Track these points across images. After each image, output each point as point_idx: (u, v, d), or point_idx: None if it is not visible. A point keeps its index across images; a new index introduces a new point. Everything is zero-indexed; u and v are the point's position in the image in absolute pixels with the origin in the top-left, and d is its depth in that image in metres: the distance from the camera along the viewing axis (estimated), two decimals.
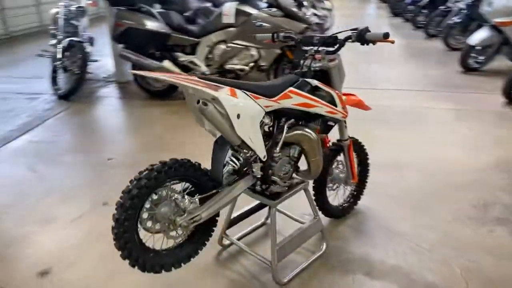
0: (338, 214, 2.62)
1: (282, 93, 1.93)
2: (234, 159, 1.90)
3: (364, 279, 2.13)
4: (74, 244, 2.44)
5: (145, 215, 1.67)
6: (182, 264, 1.81)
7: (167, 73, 1.60)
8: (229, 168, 1.89)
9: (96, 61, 5.93)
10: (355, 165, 2.52)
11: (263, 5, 4.69)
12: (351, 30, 2.04)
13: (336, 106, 2.13)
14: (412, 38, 9.35)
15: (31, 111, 4.79)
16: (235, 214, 2.36)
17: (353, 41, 2.03)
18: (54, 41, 5.26)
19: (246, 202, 2.37)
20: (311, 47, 2.16)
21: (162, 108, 4.80)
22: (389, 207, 2.77)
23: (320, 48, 2.13)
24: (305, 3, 5.83)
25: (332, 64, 2.14)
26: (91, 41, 5.96)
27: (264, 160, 1.91)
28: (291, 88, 1.97)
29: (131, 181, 1.60)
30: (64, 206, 2.84)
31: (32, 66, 6.90)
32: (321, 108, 2.06)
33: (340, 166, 2.54)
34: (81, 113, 4.74)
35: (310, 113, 2.06)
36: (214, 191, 1.80)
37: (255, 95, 1.82)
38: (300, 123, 2.11)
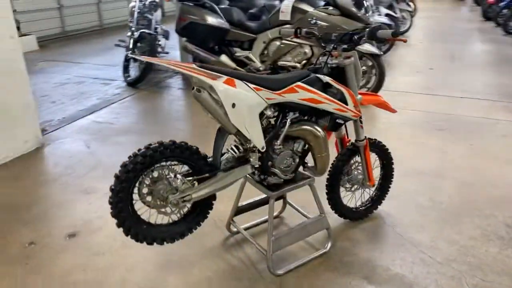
0: (352, 216, 2.56)
1: (288, 87, 1.96)
2: (234, 147, 1.98)
3: (361, 283, 2.09)
4: (102, 214, 2.70)
5: (144, 190, 1.82)
6: (175, 240, 1.93)
7: (172, 62, 1.72)
8: (228, 156, 1.98)
9: (167, 53, 6.34)
10: (372, 168, 2.45)
11: (322, 3, 4.66)
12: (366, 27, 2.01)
13: (347, 105, 2.11)
14: (500, 44, 8.56)
15: (101, 94, 5.30)
16: (244, 203, 2.43)
17: (365, 39, 2.00)
18: (129, 33, 5.73)
19: (258, 193, 2.43)
20: (330, 44, 2.16)
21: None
22: (413, 215, 2.64)
23: (337, 45, 2.13)
24: (366, 2, 5.65)
25: (347, 62, 2.12)
26: (166, 34, 6.37)
27: (263, 150, 1.96)
28: (298, 83, 1.99)
29: (129, 157, 1.76)
30: (105, 180, 3.14)
31: (113, 55, 7.56)
32: (329, 105, 2.06)
33: (360, 167, 2.49)
34: (144, 100, 5.13)
35: (318, 109, 2.07)
36: (207, 174, 1.89)
37: (257, 86, 1.88)
38: (307, 118, 2.12)
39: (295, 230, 2.19)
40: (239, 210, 2.41)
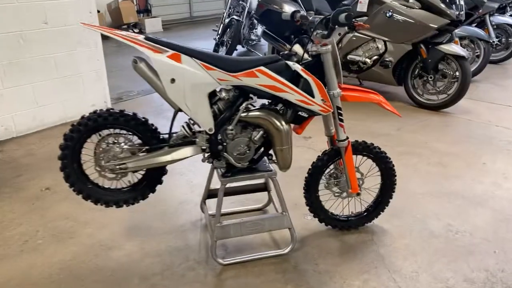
0: (333, 223, 2.31)
1: (247, 71, 1.86)
2: (185, 125, 1.96)
3: None
4: None
5: (92, 153, 1.93)
6: (119, 205, 2.00)
7: (119, 32, 1.78)
8: (180, 133, 1.97)
9: (259, 41, 6.46)
10: (357, 174, 2.16)
11: None
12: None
13: (313, 97, 1.90)
14: None
15: None
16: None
17: (330, 23, 1.79)
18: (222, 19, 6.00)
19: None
20: (313, 30, 1.98)
21: None
22: (412, 240, 2.26)
23: (317, 31, 1.93)
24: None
25: (323, 49, 1.91)
26: None
27: (210, 133, 1.90)
28: (260, 67, 1.87)
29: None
30: None
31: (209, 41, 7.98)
32: (291, 94, 1.88)
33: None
34: None
35: (281, 98, 1.91)
36: (148, 147, 1.92)
37: (208, 65, 1.83)
38: (271, 106, 1.98)
39: (247, 222, 2.08)
40: (210, 194, 2.38)
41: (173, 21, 9.96)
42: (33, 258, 2.15)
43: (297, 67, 1.89)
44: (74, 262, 2.12)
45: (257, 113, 1.93)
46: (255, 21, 6.21)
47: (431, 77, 4.11)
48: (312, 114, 1.95)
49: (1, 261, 2.13)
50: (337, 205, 2.31)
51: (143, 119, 1.93)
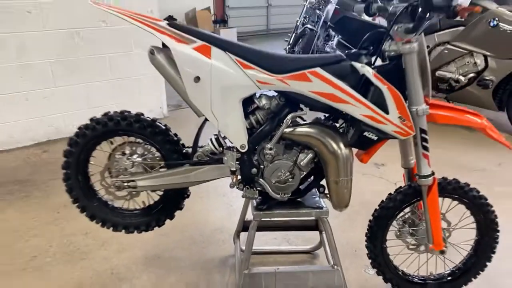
0: (403, 286, 1.71)
1: (298, 72, 1.39)
2: (214, 139, 1.52)
3: None
4: None
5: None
6: (129, 231, 1.62)
7: (136, 14, 1.42)
8: (206, 147, 1.53)
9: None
10: (440, 224, 1.56)
11: None
12: None
13: (387, 113, 1.36)
14: None
15: None
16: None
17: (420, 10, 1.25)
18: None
19: None
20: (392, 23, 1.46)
21: None
22: None
23: (398, 25, 1.41)
24: None
25: (406, 48, 1.37)
26: None
27: (243, 150, 1.45)
28: (316, 69, 1.39)
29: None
30: None
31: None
32: (355, 107, 1.37)
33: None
34: None
35: (340, 112, 1.41)
36: (164, 162, 1.51)
37: (246, 63, 1.39)
38: (328, 122, 1.48)
39: (284, 273, 1.58)
40: (245, 226, 1.91)
41: (249, 33, 9.78)
42: (33, 279, 1.84)
43: (368, 71, 1.38)
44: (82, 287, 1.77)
45: (307, 129, 1.44)
46: (332, 32, 5.72)
47: None
48: (384, 136, 1.41)
49: (5, 277, 1.85)
50: (411, 261, 1.71)
51: (163, 127, 1.53)
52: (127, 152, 1.53)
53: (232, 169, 1.48)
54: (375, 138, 1.41)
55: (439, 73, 3.69)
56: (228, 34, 8.74)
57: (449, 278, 1.72)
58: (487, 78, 3.46)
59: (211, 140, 1.52)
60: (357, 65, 1.40)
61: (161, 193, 1.62)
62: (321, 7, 5.52)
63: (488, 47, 3.41)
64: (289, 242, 2.07)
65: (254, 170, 1.48)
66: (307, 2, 5.59)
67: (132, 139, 1.55)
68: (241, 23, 9.56)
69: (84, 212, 1.61)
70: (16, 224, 2.26)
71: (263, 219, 1.55)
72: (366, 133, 1.40)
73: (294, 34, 5.46)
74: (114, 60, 3.55)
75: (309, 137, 1.44)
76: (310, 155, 1.47)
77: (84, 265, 1.94)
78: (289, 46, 5.45)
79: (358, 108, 1.37)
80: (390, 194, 1.62)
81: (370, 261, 1.69)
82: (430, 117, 1.45)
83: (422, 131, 1.44)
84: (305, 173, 1.51)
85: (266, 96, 1.46)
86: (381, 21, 4.06)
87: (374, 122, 1.38)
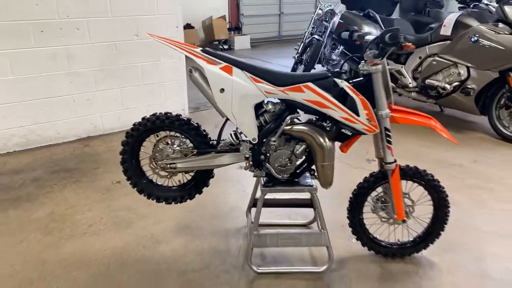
0: (376, 249, 2.23)
1: (294, 85, 1.92)
2: (233, 133, 2.07)
3: None
4: None
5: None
6: (168, 202, 2.16)
7: (178, 43, 1.96)
8: (227, 140, 2.08)
9: (340, 61, 6.43)
10: (401, 199, 2.07)
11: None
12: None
13: (358, 115, 1.89)
14: None
15: None
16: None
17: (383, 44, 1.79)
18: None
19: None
20: (365, 49, 1.99)
21: None
22: (466, 280, 2.09)
23: (369, 51, 1.93)
24: None
25: (373, 69, 1.89)
26: None
27: (254, 142, 1.98)
28: (308, 83, 1.92)
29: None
30: None
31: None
32: (335, 111, 1.90)
33: (406, 196, 2.14)
34: None
35: (325, 114, 1.94)
36: (196, 150, 2.05)
37: (257, 78, 1.92)
38: (317, 122, 2.00)
39: (284, 234, 2.11)
40: (255, 203, 2.43)
41: (261, 39, 10.33)
42: (92, 241, 2.40)
43: (345, 85, 1.90)
44: (125, 250, 2.32)
45: (301, 127, 1.97)
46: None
47: None
48: (356, 132, 1.93)
49: (68, 239, 2.42)
50: (383, 230, 2.23)
51: (196, 125, 2.07)
52: (169, 142, 2.08)
53: (246, 156, 2.02)
54: (350, 133, 1.93)
55: (428, 81, 4.18)
56: (242, 41, 9.32)
57: (412, 243, 2.23)
58: (469, 86, 3.93)
59: (230, 134, 2.07)
60: (338, 80, 1.92)
61: (192, 174, 2.16)
62: (327, 19, 6.03)
63: (470, 60, 3.89)
64: (290, 218, 2.59)
65: (262, 157, 2.02)
66: (315, 14, 6.11)
67: (172, 133, 2.10)
68: (254, 30, 10.11)
69: (136, 187, 2.15)
70: (73, 202, 2.83)
71: (268, 196, 2.08)
72: (343, 130, 1.93)
73: (302, 44, 5.98)
74: (145, 68, 4.12)
75: (302, 133, 1.97)
76: (303, 146, 2.00)
77: (129, 232, 2.49)
78: (297, 54, 5.97)
79: (338, 112, 1.90)
80: (365, 177, 2.14)
81: (351, 229, 2.21)
82: (392, 119, 1.97)
83: (386, 129, 1.96)
84: (300, 159, 2.03)
85: (271, 103, 1.99)
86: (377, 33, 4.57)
87: (349, 122, 1.90)
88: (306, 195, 2.33)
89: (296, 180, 2.09)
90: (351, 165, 3.35)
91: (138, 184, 2.15)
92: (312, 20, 6.09)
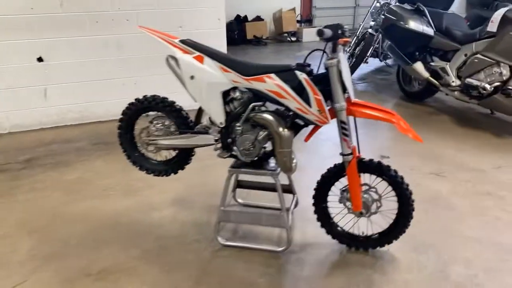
0: (339, 239, 2.29)
1: (258, 76, 2.08)
2: (209, 118, 2.29)
3: None
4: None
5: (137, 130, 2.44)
6: (156, 174, 2.46)
7: (160, 33, 2.23)
8: (204, 123, 2.31)
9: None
10: (360, 191, 2.11)
11: None
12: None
13: (310, 107, 1.99)
14: None
15: None
16: (246, 179, 2.60)
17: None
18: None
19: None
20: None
21: (407, 109, 4.73)
22: (423, 280, 2.08)
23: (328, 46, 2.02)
24: None
25: (328, 63, 1.98)
26: None
27: (221, 126, 2.19)
28: (270, 74, 2.06)
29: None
30: None
31: None
32: (290, 102, 2.02)
33: (372, 190, 2.19)
34: None
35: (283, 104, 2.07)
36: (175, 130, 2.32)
37: (225, 67, 2.12)
38: (279, 110, 2.13)
39: (247, 212, 2.30)
40: (239, 184, 2.63)
41: None
42: (100, 203, 2.81)
43: (303, 78, 2.00)
44: (124, 213, 2.69)
45: (263, 115, 2.12)
46: None
47: None
48: (308, 123, 2.03)
49: (83, 200, 2.86)
50: (351, 221, 2.28)
51: (178, 107, 2.34)
52: (153, 122, 2.37)
53: (215, 138, 2.23)
54: (302, 123, 2.05)
55: (468, 80, 3.95)
56: (310, 33, 9.35)
57: (375, 237, 2.26)
58: (510, 87, 3.65)
59: (207, 119, 2.29)
60: (298, 73, 2.02)
61: (176, 151, 2.43)
62: (384, 12, 5.88)
63: None
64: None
65: (229, 140, 2.21)
66: (372, 7, 5.99)
67: (159, 114, 2.39)
68: (326, 23, 10.01)
69: (129, 159, 2.49)
70: (99, 169, 3.29)
71: (249, 178, 2.28)
72: (297, 120, 2.05)
73: (355, 37, 5.92)
74: None
75: (263, 119, 2.11)
76: (265, 133, 2.15)
77: (134, 199, 2.86)
78: (349, 47, 5.93)
79: (293, 103, 2.01)
80: (328, 168, 2.22)
81: (316, 217, 2.31)
82: (350, 112, 2.03)
83: (342, 122, 2.02)
84: (262, 145, 2.18)
85: (240, 91, 2.17)
86: (425, 29, 4.39)
87: (302, 113, 2.01)
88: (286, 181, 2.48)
89: (261, 164, 2.25)
90: None
91: (131, 156, 2.49)
92: (369, 13, 5.99)
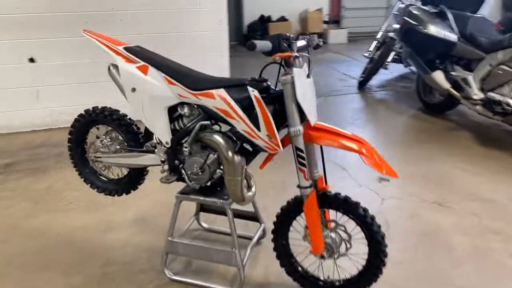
0: (301, 281, 1.97)
1: (207, 91, 1.79)
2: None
3: None
4: None
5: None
6: (105, 193, 2.23)
7: (105, 39, 1.98)
8: (153, 141, 2.04)
9: None
10: (319, 230, 1.77)
11: None
12: None
13: (259, 130, 1.67)
14: None
15: (331, 86, 5.62)
16: None
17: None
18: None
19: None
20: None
21: (424, 122, 4.29)
22: None
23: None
24: None
25: (282, 79, 1.65)
26: None
27: (167, 146, 1.91)
28: (220, 90, 1.77)
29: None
30: None
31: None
32: (238, 123, 1.72)
33: (340, 228, 1.85)
34: (353, 101, 5.06)
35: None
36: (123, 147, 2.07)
37: (171, 79, 1.84)
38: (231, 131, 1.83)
39: (196, 245, 2.01)
40: (202, 208, 2.35)
41: (362, 34, 9.69)
42: (62, 217, 2.63)
43: (253, 95, 1.69)
44: (80, 230, 2.49)
45: (212, 136, 1.82)
46: None
47: None
48: (257, 149, 1.72)
49: (46, 212, 2.69)
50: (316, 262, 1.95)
51: (129, 121, 2.08)
52: (99, 136, 2.13)
53: (161, 159, 1.96)
54: (250, 149, 1.73)
55: (490, 94, 3.47)
56: (337, 34, 8.92)
57: (340, 284, 1.91)
58: None
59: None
60: (249, 89, 1.71)
61: (128, 170, 2.19)
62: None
63: None
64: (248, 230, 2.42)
65: (176, 162, 1.93)
66: (395, 9, 5.53)
67: (109, 128, 2.15)
68: (355, 24, 9.54)
69: (80, 175, 2.27)
70: (70, 180, 3.07)
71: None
72: (244, 145, 1.73)
73: (375, 41, 5.48)
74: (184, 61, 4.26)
75: (211, 142, 1.82)
76: (215, 156, 1.85)
77: (94, 215, 2.65)
78: (369, 52, 5.50)
79: (241, 124, 1.71)
80: (288, 200, 1.89)
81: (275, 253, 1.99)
82: (309, 138, 1.70)
83: (298, 149, 1.69)
84: (214, 170, 1.89)
85: (188, 106, 1.88)
86: (446, 34, 3.92)
87: (250, 137, 1.70)
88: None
89: (211, 191, 1.96)
90: (358, 182, 2.99)
91: (82, 172, 2.26)
92: (391, 16, 5.53)
